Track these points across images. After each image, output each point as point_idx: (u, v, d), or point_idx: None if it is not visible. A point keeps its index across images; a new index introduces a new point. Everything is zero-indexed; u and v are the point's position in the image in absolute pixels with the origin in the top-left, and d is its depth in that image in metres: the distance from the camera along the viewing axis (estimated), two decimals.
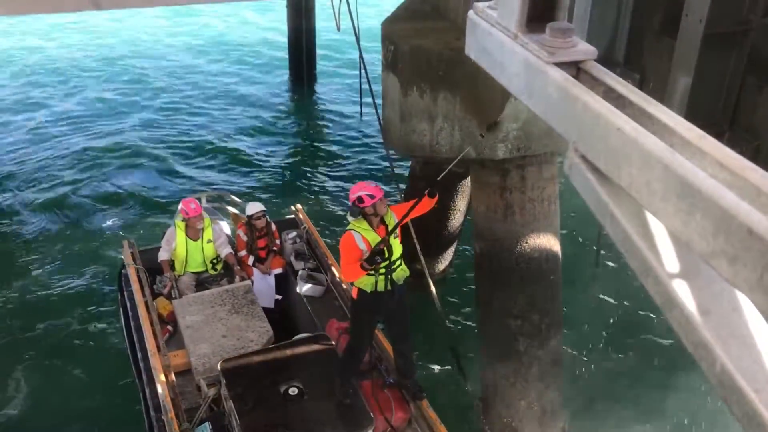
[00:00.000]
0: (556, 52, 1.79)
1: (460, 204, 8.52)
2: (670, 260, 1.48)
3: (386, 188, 6.65)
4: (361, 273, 5.18)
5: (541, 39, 1.83)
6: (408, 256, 5.65)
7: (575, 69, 1.80)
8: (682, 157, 1.35)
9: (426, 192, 5.30)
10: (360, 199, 5.22)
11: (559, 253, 6.67)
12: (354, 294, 5.50)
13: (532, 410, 6.77)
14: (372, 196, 5.21)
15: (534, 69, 1.83)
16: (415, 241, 6.08)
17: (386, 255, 5.16)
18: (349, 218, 5.39)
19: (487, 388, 7.05)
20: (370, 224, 5.29)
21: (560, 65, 1.79)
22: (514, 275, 6.58)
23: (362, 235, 5.23)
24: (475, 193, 6.86)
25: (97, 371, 7.89)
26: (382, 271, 5.27)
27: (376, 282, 5.31)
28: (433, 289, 6.13)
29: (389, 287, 5.35)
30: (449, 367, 7.49)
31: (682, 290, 1.40)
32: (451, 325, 7.65)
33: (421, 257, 6.16)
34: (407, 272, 5.50)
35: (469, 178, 8.09)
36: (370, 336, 5.79)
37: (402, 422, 5.80)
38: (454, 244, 9.13)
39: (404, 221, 5.31)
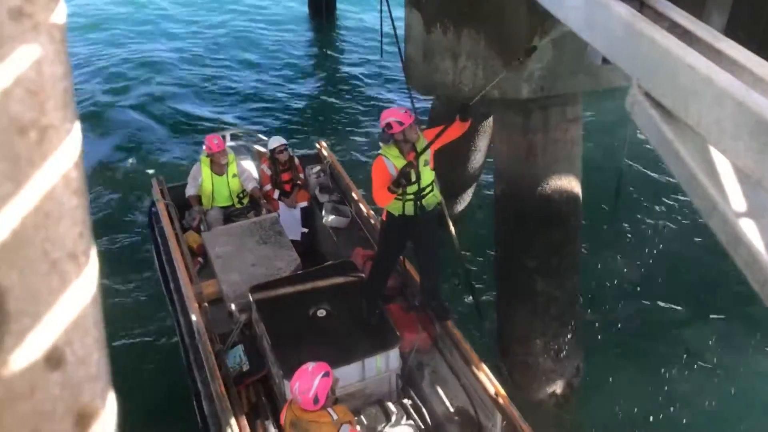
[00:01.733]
0: None
1: (481, 144, 8.47)
2: (736, 199, 1.47)
3: None
4: (390, 197, 5.18)
5: None
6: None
7: (639, 3, 1.76)
8: (757, 94, 1.33)
9: (457, 116, 5.24)
10: (389, 125, 5.21)
11: (580, 195, 6.65)
12: (383, 216, 5.57)
13: (548, 348, 6.87)
14: (401, 123, 5.19)
15: (596, 3, 1.78)
16: (444, 209, 6.06)
17: (413, 178, 5.15)
18: (381, 144, 5.38)
19: (504, 326, 7.15)
20: (401, 151, 5.27)
21: (623, 0, 1.75)
22: (534, 217, 6.58)
23: (392, 161, 5.22)
24: (497, 134, 6.81)
25: (132, 304, 8.06)
26: (411, 196, 5.30)
27: (404, 206, 5.36)
28: (452, 228, 6.16)
29: (417, 213, 5.39)
30: (466, 306, 7.57)
31: (749, 229, 1.40)
32: (469, 264, 7.70)
33: (440, 197, 6.16)
34: (438, 198, 5.54)
35: (490, 119, 8.02)
36: (395, 259, 5.90)
37: (427, 342, 5.96)
38: (474, 185, 9.12)
39: (434, 145, 5.30)
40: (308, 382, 4.46)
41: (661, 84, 1.59)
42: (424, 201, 5.39)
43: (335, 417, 4.48)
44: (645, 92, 1.65)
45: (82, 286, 0.73)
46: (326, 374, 4.52)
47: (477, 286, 7.26)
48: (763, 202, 1.45)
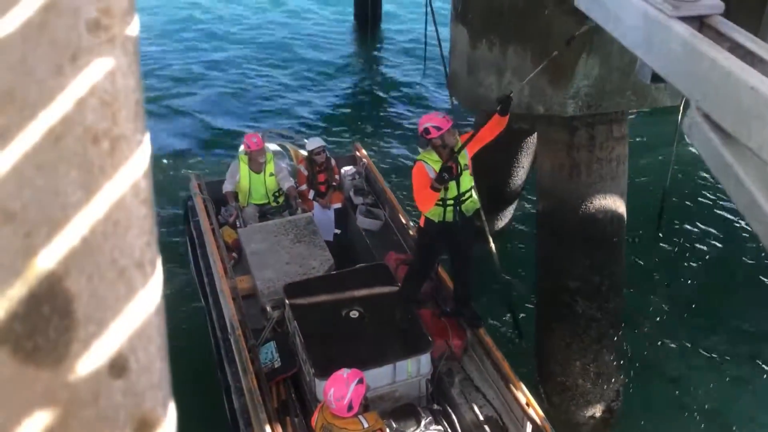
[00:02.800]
0: (681, 6, 1.71)
1: (524, 161, 8.40)
2: None
3: None
4: (433, 196, 5.19)
5: None
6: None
7: (698, 24, 1.73)
8: None
9: (497, 110, 5.22)
10: (427, 131, 5.26)
11: (625, 215, 6.54)
12: (422, 222, 5.59)
13: (587, 371, 6.75)
14: (438, 128, 5.22)
15: (655, 23, 1.76)
16: (482, 215, 6.04)
17: (455, 172, 5.16)
18: (419, 150, 5.43)
19: (542, 346, 7.04)
20: (440, 155, 5.30)
21: (683, 19, 1.72)
22: (577, 236, 6.48)
23: (432, 165, 5.25)
24: (541, 150, 6.75)
25: (165, 295, 8.18)
26: (450, 202, 5.33)
27: (445, 212, 5.38)
28: (492, 245, 6.12)
29: (457, 218, 5.40)
30: (505, 325, 7.49)
31: None
32: (510, 282, 7.62)
33: (482, 213, 6.13)
34: (477, 204, 5.56)
35: (534, 135, 7.96)
36: (432, 264, 5.94)
37: (459, 348, 5.95)
38: (516, 202, 9.05)
39: (472, 148, 5.31)
40: (343, 388, 4.49)
41: (721, 106, 1.56)
42: (463, 207, 5.42)
43: (366, 425, 4.51)
44: (704, 114, 1.61)
45: (148, 295, 0.74)
46: (360, 381, 4.56)
47: (517, 304, 7.18)
48: None
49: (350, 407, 4.48)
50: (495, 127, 5.31)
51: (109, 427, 0.72)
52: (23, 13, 0.64)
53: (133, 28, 0.74)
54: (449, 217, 5.41)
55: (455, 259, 5.91)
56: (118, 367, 0.72)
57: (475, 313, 5.98)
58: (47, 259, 0.68)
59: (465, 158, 5.36)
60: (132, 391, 0.73)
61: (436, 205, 5.33)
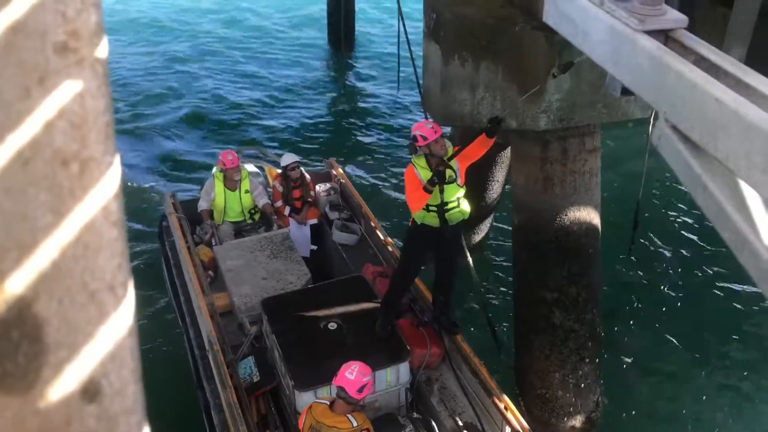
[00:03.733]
0: (646, 20, 1.75)
1: (499, 175, 8.47)
2: (767, 233, 1.45)
3: None
4: (423, 197, 5.34)
5: (629, 6, 1.79)
6: None
7: (664, 37, 1.76)
8: None
9: (484, 130, 5.39)
10: (415, 138, 5.44)
11: (599, 226, 6.61)
12: (411, 222, 5.71)
13: (566, 383, 6.78)
14: (425, 137, 5.39)
15: (622, 37, 1.79)
16: (466, 208, 6.07)
17: (446, 178, 5.31)
18: (411, 155, 5.62)
19: (522, 359, 7.07)
20: (428, 162, 5.46)
21: (649, 33, 1.75)
22: (552, 248, 6.54)
23: (419, 171, 5.43)
24: (515, 164, 6.81)
25: (140, 317, 8.06)
26: (434, 209, 5.44)
27: (428, 217, 5.52)
28: (469, 259, 6.15)
29: (441, 226, 5.53)
30: (484, 337, 7.50)
31: None
32: (487, 295, 7.66)
33: (467, 213, 6.14)
34: (465, 215, 5.67)
35: (508, 150, 8.03)
36: (416, 270, 6.00)
37: (437, 358, 6.01)
38: (492, 216, 9.10)
39: (462, 162, 5.49)
40: (367, 372, 4.70)
41: (688, 118, 1.59)
42: (447, 215, 5.52)
43: (355, 424, 4.58)
44: (672, 126, 1.64)
45: (120, 318, 0.73)
46: (372, 378, 4.79)
47: (495, 317, 7.19)
48: None
49: (361, 390, 4.61)
50: (481, 146, 5.46)
51: None
52: None
53: (102, 50, 0.73)
54: (433, 221, 5.53)
55: (438, 266, 5.98)
56: (90, 391, 0.70)
57: (452, 321, 6.06)
58: (16, 284, 0.67)
59: (455, 168, 5.50)
60: (105, 416, 0.72)
61: (422, 209, 5.48)
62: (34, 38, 0.67)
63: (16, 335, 0.67)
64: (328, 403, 4.74)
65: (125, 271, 0.74)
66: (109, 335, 0.72)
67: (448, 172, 5.39)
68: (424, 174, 5.37)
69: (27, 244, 0.68)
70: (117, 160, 0.75)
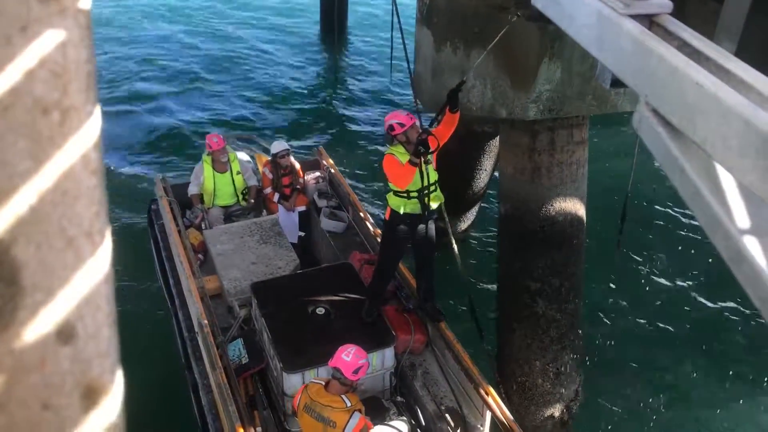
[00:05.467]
0: (632, 4, 1.77)
1: (487, 164, 8.50)
2: (740, 216, 1.48)
3: None
4: (411, 170, 5.29)
5: None
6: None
7: (648, 22, 1.78)
8: (764, 113, 1.35)
9: (447, 104, 5.38)
10: (392, 127, 5.47)
11: (585, 218, 6.66)
12: (387, 215, 5.72)
13: (546, 372, 6.85)
14: (402, 125, 5.45)
15: (607, 20, 1.81)
16: (443, 208, 6.10)
17: (430, 148, 5.28)
18: (387, 145, 5.67)
19: (503, 347, 7.13)
20: (406, 150, 5.47)
21: (634, 18, 1.77)
22: (537, 238, 6.59)
23: (399, 157, 5.42)
24: (503, 154, 6.84)
25: (128, 300, 8.05)
26: (415, 194, 5.48)
27: (409, 205, 5.55)
28: (455, 246, 6.18)
29: (422, 211, 5.58)
30: (467, 325, 7.55)
31: (752, 246, 1.41)
32: (471, 284, 7.69)
33: (445, 215, 6.18)
34: (442, 198, 5.72)
35: (497, 139, 8.05)
36: (398, 258, 6.07)
37: (421, 344, 6.11)
38: (478, 204, 9.14)
39: (434, 132, 5.45)
40: (361, 355, 4.82)
41: (668, 101, 1.61)
42: (427, 200, 5.55)
43: (349, 404, 4.72)
44: (652, 109, 1.67)
45: (96, 264, 0.75)
46: (367, 361, 4.93)
47: (478, 305, 7.24)
48: (766, 220, 1.46)
49: (356, 372, 4.75)
50: (449, 124, 5.46)
51: (55, 393, 0.72)
52: None
53: (85, 1, 0.74)
54: (415, 208, 5.56)
55: (419, 254, 6.03)
56: (65, 334, 0.72)
57: (436, 308, 6.12)
58: None
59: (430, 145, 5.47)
60: (79, 358, 0.73)
61: (401, 196, 5.50)
62: None
63: None
64: (324, 383, 4.87)
65: (103, 219, 0.75)
66: (84, 280, 0.73)
67: (430, 141, 5.35)
68: (404, 159, 5.35)
69: (5, 189, 0.70)
70: (98, 110, 0.76)
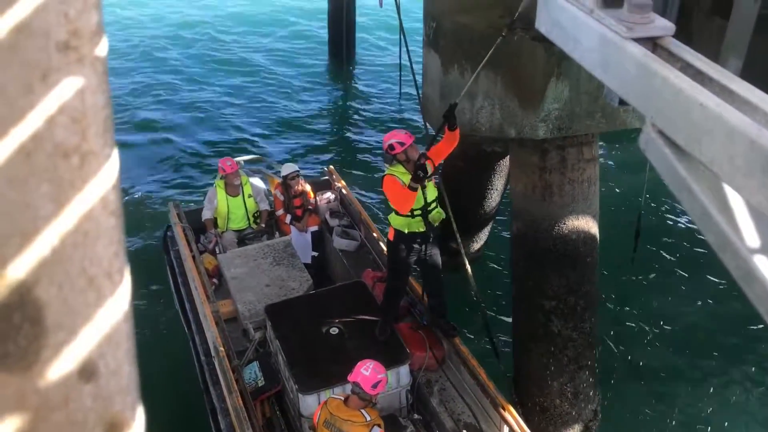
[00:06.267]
0: (634, 28, 1.79)
1: (498, 183, 8.51)
2: (750, 235, 1.49)
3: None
4: (411, 195, 5.35)
5: (618, 14, 1.84)
6: (444, 232, 5.77)
7: (651, 45, 1.81)
8: None
9: (445, 124, 5.41)
10: (391, 147, 5.55)
11: (597, 235, 6.64)
12: (390, 236, 5.75)
13: (564, 392, 6.79)
14: (402, 143, 5.53)
15: (611, 44, 1.84)
16: (452, 219, 6.13)
17: (429, 171, 5.36)
18: (386, 165, 5.60)
19: (520, 368, 7.08)
20: (406, 169, 5.54)
21: (637, 41, 1.80)
22: (551, 256, 6.57)
23: (400, 177, 5.49)
24: (514, 173, 6.85)
25: (145, 326, 8.07)
26: (418, 212, 5.55)
27: (413, 223, 5.61)
28: (468, 267, 6.19)
29: (425, 229, 5.64)
30: (482, 345, 7.51)
31: (762, 265, 1.42)
32: (485, 304, 7.68)
33: (457, 235, 6.20)
34: (443, 215, 5.76)
35: (507, 158, 8.07)
36: (406, 276, 6.11)
37: (436, 360, 6.14)
38: (491, 224, 9.14)
39: (433, 156, 5.52)
40: (380, 370, 4.88)
41: (674, 122, 1.63)
42: (429, 216, 5.62)
43: (368, 418, 4.78)
44: (658, 130, 1.68)
45: (116, 302, 0.77)
46: (386, 376, 4.99)
47: (493, 325, 7.21)
48: None
49: (375, 386, 4.81)
50: (451, 140, 5.52)
51: (78, 430, 0.74)
52: None
53: (102, 49, 0.77)
54: (419, 227, 5.62)
55: (426, 272, 6.09)
56: (87, 372, 0.74)
57: (450, 324, 6.15)
58: (18, 269, 0.71)
59: (429, 169, 5.53)
60: (101, 395, 0.75)
61: (404, 216, 5.56)
62: (38, 37, 0.71)
63: (17, 318, 0.71)
64: (343, 398, 4.94)
65: (122, 258, 0.78)
66: (105, 318, 0.76)
67: (429, 164, 5.44)
68: (405, 179, 5.43)
69: (29, 231, 0.72)
70: (115, 153, 0.79)
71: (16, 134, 0.72)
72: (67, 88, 0.74)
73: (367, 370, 4.86)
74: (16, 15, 0.70)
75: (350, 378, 4.91)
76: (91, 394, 0.74)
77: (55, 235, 0.73)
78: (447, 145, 5.55)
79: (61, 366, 0.73)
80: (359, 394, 4.84)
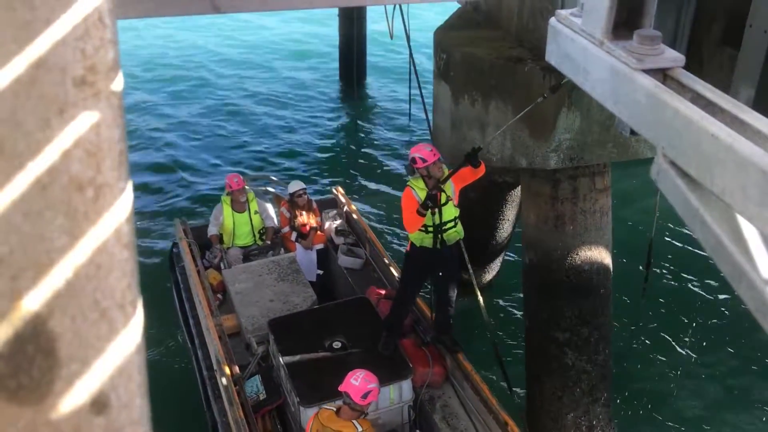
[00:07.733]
0: (644, 59, 1.81)
1: (509, 214, 8.49)
2: (764, 265, 1.48)
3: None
4: (418, 220, 5.48)
5: (627, 46, 1.85)
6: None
7: (662, 76, 1.82)
8: None
9: (469, 161, 5.44)
10: (414, 160, 5.60)
11: (611, 266, 6.60)
12: (408, 247, 5.84)
13: (579, 425, 6.69)
14: (424, 160, 5.55)
15: (621, 75, 1.84)
16: (463, 250, 6.11)
17: (439, 201, 5.44)
18: (409, 177, 5.82)
19: (533, 401, 6.99)
20: (425, 184, 5.59)
21: (647, 72, 1.81)
22: (564, 287, 6.53)
23: (418, 192, 5.56)
24: (526, 203, 6.84)
25: (152, 342, 8.08)
26: (431, 230, 5.59)
27: (425, 239, 5.66)
28: (480, 298, 6.15)
29: (438, 246, 5.67)
30: (495, 378, 7.43)
31: None
32: (498, 336, 7.62)
33: (469, 266, 6.17)
34: (461, 234, 5.80)
35: (518, 189, 8.07)
36: (416, 290, 6.14)
37: (439, 377, 6.12)
38: (502, 254, 9.10)
39: (457, 181, 5.62)
40: (370, 379, 4.83)
41: (685, 153, 1.63)
42: (444, 235, 5.67)
43: (360, 429, 4.74)
44: (670, 161, 1.68)
45: (129, 335, 0.77)
46: (377, 386, 4.93)
47: (506, 357, 7.14)
48: None
49: (365, 396, 4.75)
50: (476, 172, 5.55)
51: None
52: (15, 69, 0.69)
53: (117, 84, 0.78)
54: (430, 243, 5.67)
55: (437, 286, 6.11)
56: (99, 404, 0.74)
57: (453, 340, 6.15)
58: (32, 301, 0.71)
59: (450, 190, 5.65)
60: (112, 428, 0.75)
61: (420, 231, 5.62)
62: (55, 73, 0.72)
63: (31, 350, 0.71)
64: (335, 409, 4.91)
65: (134, 291, 0.78)
66: (118, 351, 0.76)
67: (443, 196, 5.55)
68: (423, 195, 5.53)
69: (43, 264, 0.73)
70: (129, 185, 0.80)
71: (33, 167, 0.73)
72: (83, 122, 0.76)
73: (356, 380, 4.82)
74: (34, 51, 0.71)
75: (340, 388, 4.88)
76: (102, 427, 0.74)
77: (69, 267, 0.74)
78: (472, 174, 5.64)
79: (73, 398, 0.73)
80: (350, 405, 4.80)
